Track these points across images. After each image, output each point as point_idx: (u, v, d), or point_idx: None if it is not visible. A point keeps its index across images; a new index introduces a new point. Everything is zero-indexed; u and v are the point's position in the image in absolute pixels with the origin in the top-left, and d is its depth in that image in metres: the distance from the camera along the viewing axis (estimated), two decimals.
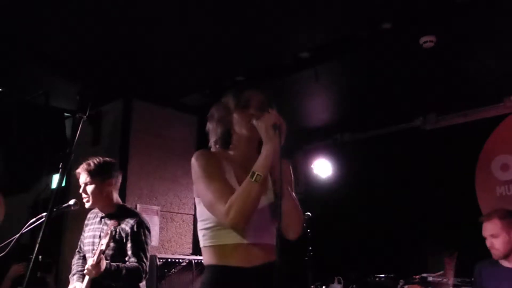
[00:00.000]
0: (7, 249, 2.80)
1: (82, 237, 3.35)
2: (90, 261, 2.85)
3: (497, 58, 4.31)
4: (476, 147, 5.14)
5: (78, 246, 3.37)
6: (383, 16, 3.71)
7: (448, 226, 4.86)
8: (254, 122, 1.88)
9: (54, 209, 1.73)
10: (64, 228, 5.13)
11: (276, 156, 1.81)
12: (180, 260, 4.59)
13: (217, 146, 2.05)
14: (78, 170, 3.20)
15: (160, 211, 5.12)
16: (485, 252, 3.28)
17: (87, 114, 1.68)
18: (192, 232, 5.36)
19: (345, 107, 5.58)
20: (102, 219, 3.21)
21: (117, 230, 3.07)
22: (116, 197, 3.28)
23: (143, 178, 5.05)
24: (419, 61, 4.30)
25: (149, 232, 3.20)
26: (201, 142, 5.60)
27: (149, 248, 3.16)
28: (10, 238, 2.84)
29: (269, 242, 1.91)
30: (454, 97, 5.07)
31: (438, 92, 4.99)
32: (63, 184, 1.85)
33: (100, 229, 3.18)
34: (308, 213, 4.64)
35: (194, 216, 5.42)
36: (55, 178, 5.65)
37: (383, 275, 4.44)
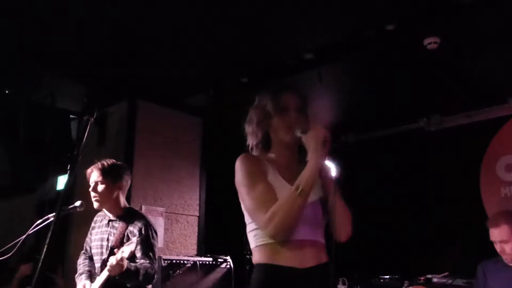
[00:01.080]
0: (14, 250, 2.82)
1: (88, 239, 3.36)
2: (113, 260, 2.87)
3: (501, 59, 4.31)
4: (481, 148, 5.13)
5: (84, 248, 3.39)
6: (387, 17, 3.71)
7: (452, 227, 4.85)
8: (300, 134, 1.91)
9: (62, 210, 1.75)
10: (70, 229, 5.15)
11: (323, 168, 1.88)
12: (185, 262, 4.60)
13: (257, 149, 2.06)
14: (90, 169, 3.23)
15: (165, 212, 5.14)
16: (489, 252, 3.29)
17: (94, 117, 1.70)
18: (197, 234, 5.37)
19: (349, 108, 5.59)
20: (110, 222, 3.23)
21: (125, 233, 3.10)
22: (123, 200, 3.30)
23: (148, 179, 5.07)
24: (423, 62, 4.30)
25: (157, 234, 3.22)
26: (206, 143, 5.62)
27: (156, 250, 3.18)
28: (15, 238, 2.87)
29: (319, 240, 1.93)
30: (458, 98, 5.06)
31: (442, 93, 4.99)
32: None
33: (108, 232, 3.20)
34: None
35: (199, 217, 5.44)
36: (60, 179, 5.68)
37: (387, 276, 4.45)
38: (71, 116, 5.12)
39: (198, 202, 5.48)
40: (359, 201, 5.60)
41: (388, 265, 4.78)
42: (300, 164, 1.90)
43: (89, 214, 3.39)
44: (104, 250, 3.16)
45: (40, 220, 2.91)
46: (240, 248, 4.46)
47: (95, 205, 3.22)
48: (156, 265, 3.12)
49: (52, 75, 4.68)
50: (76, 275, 3.28)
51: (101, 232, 3.25)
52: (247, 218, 1.98)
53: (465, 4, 3.46)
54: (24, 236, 2.84)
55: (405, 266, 4.57)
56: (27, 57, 4.35)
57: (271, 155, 2.05)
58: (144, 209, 4.88)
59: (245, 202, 1.91)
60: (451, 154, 5.12)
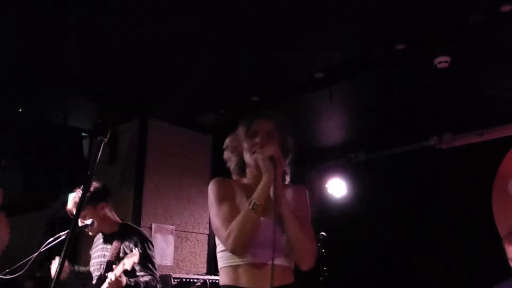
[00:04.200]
0: (26, 267, 2.84)
1: (90, 263, 3.41)
2: (111, 276, 2.89)
3: None
4: (492, 166, 5.09)
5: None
6: (397, 36, 3.73)
7: (465, 246, 4.80)
8: (253, 155, 2.02)
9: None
10: (81, 248, 5.16)
11: (277, 185, 1.92)
12: (195, 280, 4.58)
13: (234, 173, 2.18)
14: (69, 208, 3.25)
15: (175, 230, 5.13)
16: (502, 272, 3.25)
17: (107, 137, 1.73)
18: (206, 252, 5.35)
19: (360, 126, 5.59)
20: (106, 239, 3.29)
21: (121, 247, 3.15)
22: (114, 216, 3.35)
23: (158, 197, 5.08)
24: (434, 81, 4.30)
25: (153, 246, 3.28)
26: (216, 162, 5.63)
27: (155, 260, 3.23)
28: (26, 254, 2.89)
29: (279, 263, 1.95)
30: (469, 116, 5.05)
31: (454, 111, 4.98)
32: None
33: (104, 249, 3.26)
34: (323, 233, 4.62)
35: (209, 235, 5.43)
36: (71, 196, 5.70)
37: None
38: (83, 134, 5.17)
39: (208, 220, 5.47)
40: (369, 219, 5.62)
41: (399, 282, 4.73)
42: None
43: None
44: (100, 267, 3.20)
45: (52, 238, 2.94)
46: None
47: (91, 234, 3.30)
48: (158, 276, 3.16)
49: (64, 93, 4.74)
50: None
51: (99, 250, 3.32)
52: (216, 239, 2.05)
53: (475, 23, 3.47)
54: (36, 254, 2.86)
55: (416, 284, 4.53)
56: (40, 76, 4.41)
57: (244, 180, 2.15)
58: (154, 227, 4.88)
59: (213, 222, 2.03)
60: (463, 172, 5.09)
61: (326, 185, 6.17)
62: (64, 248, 1.58)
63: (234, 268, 1.95)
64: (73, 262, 3.72)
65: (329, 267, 4.65)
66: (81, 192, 1.73)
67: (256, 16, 3.49)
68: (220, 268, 2.04)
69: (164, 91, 4.78)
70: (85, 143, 5.29)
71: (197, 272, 5.11)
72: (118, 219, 3.38)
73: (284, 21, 3.55)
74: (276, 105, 4.69)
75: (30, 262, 2.84)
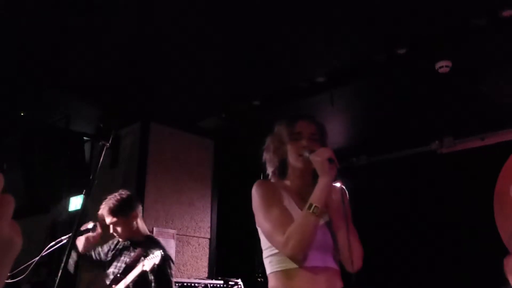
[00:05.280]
0: (27, 272, 2.84)
1: (102, 253, 3.40)
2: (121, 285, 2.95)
3: None
4: (494, 171, 5.08)
5: (90, 255, 3.42)
6: (398, 41, 3.74)
7: (466, 250, 4.79)
8: (308, 155, 1.96)
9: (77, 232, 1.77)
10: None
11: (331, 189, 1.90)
12: (196, 284, 4.58)
13: (275, 176, 2.12)
14: (101, 213, 3.29)
15: (177, 234, 5.13)
16: (504, 277, 3.23)
17: (110, 142, 1.73)
18: (208, 256, 5.35)
19: (361, 130, 5.59)
20: (132, 245, 3.30)
21: (144, 253, 3.14)
22: (142, 226, 3.37)
23: (159, 201, 5.08)
24: (435, 85, 4.31)
25: (173, 264, 3.28)
26: (218, 166, 5.63)
27: (173, 280, 3.21)
28: (27, 258, 2.89)
29: (330, 266, 1.95)
30: (470, 121, 5.05)
31: (455, 116, 4.98)
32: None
33: (127, 254, 3.27)
34: None
35: (210, 239, 5.43)
36: (72, 200, 5.72)
37: None
38: (84, 138, 5.18)
39: (209, 224, 5.48)
40: (370, 223, 5.61)
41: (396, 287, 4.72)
42: None
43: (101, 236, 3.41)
44: (119, 269, 3.21)
45: (54, 242, 2.94)
46: (251, 271, 4.44)
47: (121, 240, 3.33)
48: None
49: (67, 97, 4.75)
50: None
51: (119, 254, 3.32)
52: (263, 244, 2.00)
53: (476, 28, 3.48)
54: (37, 258, 2.86)
55: None
56: (42, 81, 4.43)
57: (287, 182, 2.09)
58: (155, 231, 4.88)
59: (263, 226, 1.96)
60: (464, 177, 5.09)
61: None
62: (66, 253, 1.59)
63: (287, 272, 1.90)
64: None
65: None
66: (83, 196, 1.73)
67: (258, 20, 3.51)
68: (270, 273, 1.97)
69: (165, 95, 4.79)
70: (87, 147, 5.30)
71: (199, 276, 5.11)
72: (146, 230, 3.41)
73: (286, 26, 3.56)
74: (277, 109, 4.70)
75: (32, 266, 2.84)
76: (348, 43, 3.82)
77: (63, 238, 2.96)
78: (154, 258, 2.93)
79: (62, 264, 1.54)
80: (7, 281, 2.85)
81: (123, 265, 3.19)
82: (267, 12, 3.39)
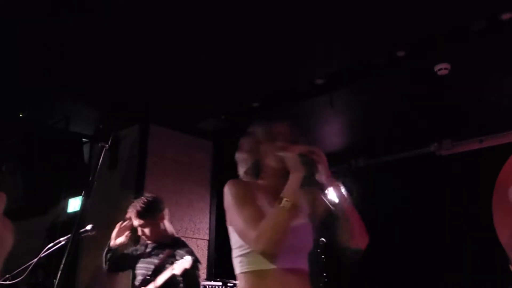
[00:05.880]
0: (26, 273, 2.84)
1: (135, 253, 3.45)
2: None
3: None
4: (492, 173, 5.10)
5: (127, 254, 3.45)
6: (397, 43, 3.75)
7: (464, 252, 4.79)
8: (281, 153, 1.95)
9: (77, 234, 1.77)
10: (80, 253, 5.16)
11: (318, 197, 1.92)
12: None
13: (247, 176, 2.10)
14: (128, 215, 3.36)
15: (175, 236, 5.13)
16: (503, 278, 3.25)
17: (109, 143, 1.73)
18: (206, 257, 5.35)
19: (360, 133, 5.60)
20: (159, 246, 3.34)
21: (173, 253, 3.21)
22: (169, 228, 3.42)
23: None
24: (434, 88, 4.32)
25: (200, 264, 3.34)
26: (217, 167, 5.64)
27: (200, 280, 3.30)
28: (26, 259, 2.89)
29: (302, 267, 1.94)
30: (469, 123, 5.06)
31: (454, 118, 4.99)
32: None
33: (155, 255, 3.31)
34: (323, 239, 4.61)
35: (209, 241, 5.43)
36: (71, 202, 5.72)
37: None
38: (84, 139, 5.19)
39: (208, 225, 5.47)
40: (369, 225, 5.60)
41: None
42: None
43: (99, 238, 3.42)
44: (148, 270, 3.26)
45: (52, 244, 2.93)
46: None
47: (148, 242, 3.38)
48: None
49: (66, 99, 4.76)
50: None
51: (147, 255, 3.36)
52: (234, 243, 1.99)
53: (475, 30, 3.49)
54: (36, 259, 2.86)
55: None
56: (41, 82, 4.43)
57: (261, 182, 2.08)
58: None
59: (236, 224, 1.93)
60: (463, 179, 5.09)
61: (326, 191, 6.14)
62: (66, 254, 1.59)
63: (258, 273, 1.87)
64: (72, 268, 3.72)
65: (329, 273, 4.65)
66: (83, 198, 1.73)
67: (257, 22, 3.51)
68: (240, 273, 1.94)
69: (165, 97, 4.79)
70: (86, 149, 5.30)
71: None
72: (174, 232, 3.46)
73: (285, 28, 3.57)
74: (277, 111, 4.71)
75: (31, 267, 2.84)
76: (347, 45, 3.83)
77: (61, 239, 2.96)
78: (184, 262, 2.99)
79: (61, 266, 1.54)
80: (6, 282, 2.85)
81: (152, 267, 3.23)
82: (266, 14, 3.40)
